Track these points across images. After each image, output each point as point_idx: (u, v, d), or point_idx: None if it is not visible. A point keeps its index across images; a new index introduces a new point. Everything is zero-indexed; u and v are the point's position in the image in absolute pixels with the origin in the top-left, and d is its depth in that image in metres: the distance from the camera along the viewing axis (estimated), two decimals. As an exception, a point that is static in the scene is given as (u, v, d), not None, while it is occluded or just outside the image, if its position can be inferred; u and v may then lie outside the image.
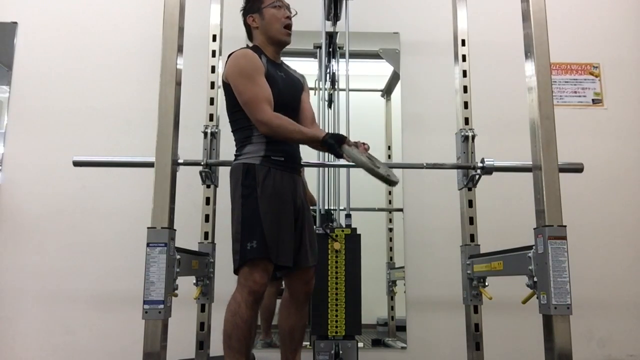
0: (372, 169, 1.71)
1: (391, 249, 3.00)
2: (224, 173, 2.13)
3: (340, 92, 2.83)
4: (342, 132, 2.70)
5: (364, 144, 1.84)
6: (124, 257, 2.74)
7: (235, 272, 1.78)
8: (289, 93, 1.94)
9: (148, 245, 1.54)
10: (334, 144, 1.74)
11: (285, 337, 1.94)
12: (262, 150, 1.83)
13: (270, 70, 1.87)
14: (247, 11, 1.99)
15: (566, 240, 1.47)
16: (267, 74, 1.85)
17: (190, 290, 2.13)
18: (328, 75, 2.90)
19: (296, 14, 1.99)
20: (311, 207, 2.13)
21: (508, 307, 2.35)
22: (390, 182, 1.77)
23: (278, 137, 1.81)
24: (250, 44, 2.01)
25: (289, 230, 1.81)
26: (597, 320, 2.84)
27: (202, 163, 2.20)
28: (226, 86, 1.88)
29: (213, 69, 2.42)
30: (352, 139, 2.63)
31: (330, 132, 1.78)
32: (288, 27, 1.94)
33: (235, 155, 1.91)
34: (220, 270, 2.27)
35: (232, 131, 1.94)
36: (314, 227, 2.02)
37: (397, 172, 2.97)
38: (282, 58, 2.04)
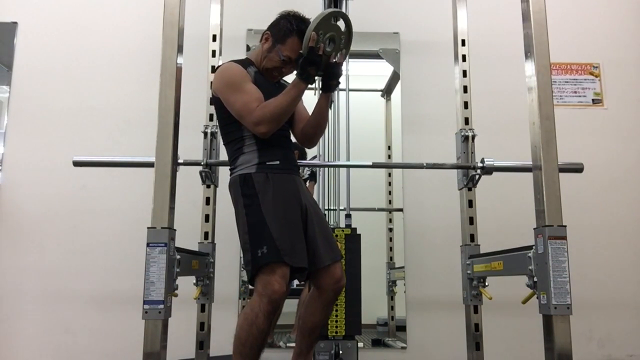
0: (322, 14, 1.70)
1: (391, 249, 3.00)
2: (224, 173, 2.13)
3: (340, 92, 2.83)
4: (342, 132, 2.72)
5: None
6: (124, 257, 2.74)
7: (250, 282, 1.74)
8: None
9: (148, 245, 1.54)
10: (300, 59, 1.73)
11: (304, 332, 1.90)
12: (255, 159, 1.82)
13: (258, 80, 1.86)
14: (272, 27, 1.94)
15: (566, 240, 1.47)
16: (254, 82, 1.84)
17: (190, 290, 2.13)
18: (328, 75, 2.90)
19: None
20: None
21: (508, 307, 2.35)
22: (338, 12, 1.77)
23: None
24: (242, 58, 1.98)
25: (297, 231, 1.78)
26: (597, 320, 2.84)
27: (202, 163, 2.20)
28: (216, 100, 1.88)
29: (213, 69, 2.41)
30: (352, 139, 2.69)
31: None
32: (281, 73, 1.93)
33: (230, 169, 1.89)
34: (220, 270, 2.27)
35: (224, 144, 1.93)
36: (327, 222, 1.99)
37: (397, 172, 3.02)
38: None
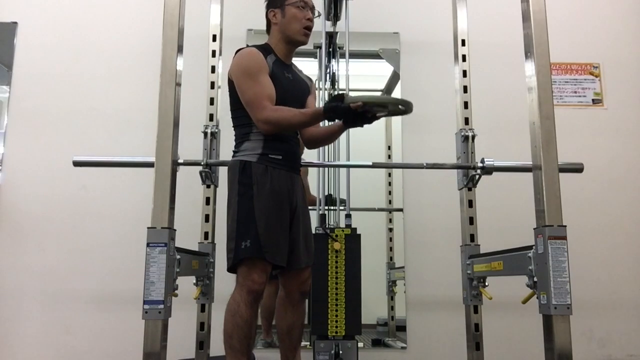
0: (383, 96, 1.64)
1: (391, 249, 3.00)
2: (224, 173, 2.13)
3: (340, 93, 2.83)
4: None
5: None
6: (124, 257, 2.74)
7: (229, 270, 1.79)
8: (293, 95, 1.93)
9: (148, 245, 1.54)
10: (336, 103, 1.70)
11: (283, 336, 1.95)
12: (259, 148, 1.83)
13: (275, 71, 1.86)
14: (269, 4, 1.97)
15: (566, 240, 1.47)
16: (271, 74, 1.84)
17: (190, 290, 2.13)
18: (328, 75, 2.90)
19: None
20: (310, 208, 2.12)
21: (508, 307, 2.35)
22: (405, 102, 1.68)
23: (282, 129, 1.80)
24: (262, 42, 1.99)
25: (283, 230, 1.81)
26: (597, 320, 2.84)
27: (202, 163, 2.20)
28: (230, 83, 1.88)
29: (213, 69, 2.42)
30: (352, 139, 2.69)
31: (327, 101, 1.75)
32: (307, 28, 1.93)
33: (233, 151, 1.91)
34: (220, 270, 2.26)
35: (232, 127, 1.94)
36: (311, 227, 2.01)
37: (397, 172, 3.02)
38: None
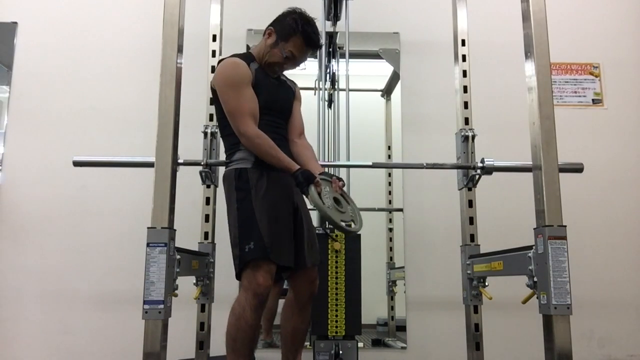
0: (330, 217, 1.71)
1: (391, 249, 3.00)
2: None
3: (340, 92, 2.83)
4: (342, 132, 2.71)
5: (339, 180, 1.85)
6: (124, 257, 2.74)
7: (237, 277, 1.78)
8: (279, 99, 1.94)
9: (148, 245, 1.54)
10: (302, 182, 1.74)
11: (287, 338, 1.94)
12: (252, 156, 1.84)
13: (259, 77, 1.87)
14: (275, 23, 1.95)
15: (566, 240, 1.47)
16: (255, 81, 1.85)
17: (190, 290, 2.13)
18: (328, 75, 2.90)
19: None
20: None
21: (508, 307, 2.35)
22: (347, 232, 1.79)
23: (254, 152, 1.81)
24: (244, 52, 1.99)
25: (287, 229, 1.81)
26: (597, 320, 2.84)
27: (202, 163, 2.20)
28: (214, 92, 1.89)
29: (213, 69, 2.41)
30: (352, 139, 2.68)
31: (302, 169, 1.78)
32: (282, 69, 1.96)
33: (225, 162, 1.91)
34: (220, 270, 2.27)
35: (221, 136, 1.95)
36: (314, 226, 2.02)
37: (397, 172, 3.02)
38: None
